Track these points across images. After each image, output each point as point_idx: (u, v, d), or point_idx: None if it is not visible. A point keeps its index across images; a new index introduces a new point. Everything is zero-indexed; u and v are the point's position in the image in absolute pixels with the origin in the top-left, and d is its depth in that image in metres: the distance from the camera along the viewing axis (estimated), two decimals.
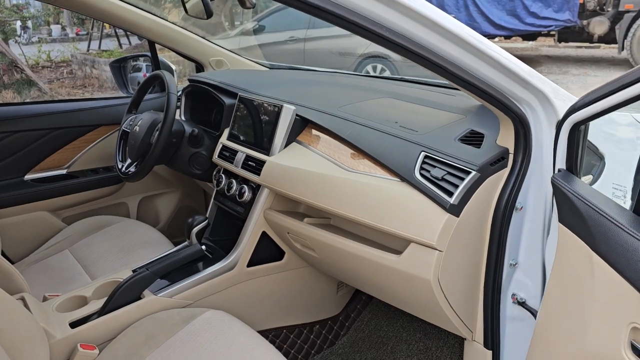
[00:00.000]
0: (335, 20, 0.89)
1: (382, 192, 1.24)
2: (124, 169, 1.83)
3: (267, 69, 2.40)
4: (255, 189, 1.62)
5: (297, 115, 1.55)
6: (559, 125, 1.06)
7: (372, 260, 1.29)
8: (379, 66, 7.50)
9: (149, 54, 2.30)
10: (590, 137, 1.14)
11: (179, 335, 1.28)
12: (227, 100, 1.81)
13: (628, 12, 8.67)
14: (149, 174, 1.80)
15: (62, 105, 2.08)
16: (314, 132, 1.56)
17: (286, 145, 1.55)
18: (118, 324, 1.38)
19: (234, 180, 1.67)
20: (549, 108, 1.11)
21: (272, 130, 1.56)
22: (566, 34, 9.86)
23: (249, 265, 1.61)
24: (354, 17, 0.89)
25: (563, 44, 10.40)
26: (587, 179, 1.23)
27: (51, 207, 2.05)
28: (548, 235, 1.16)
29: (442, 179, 1.16)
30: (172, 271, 1.53)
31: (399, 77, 1.97)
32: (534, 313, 1.20)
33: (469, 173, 1.15)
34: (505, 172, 1.18)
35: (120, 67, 2.42)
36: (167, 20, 2.11)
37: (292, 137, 1.56)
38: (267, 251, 1.64)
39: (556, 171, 1.08)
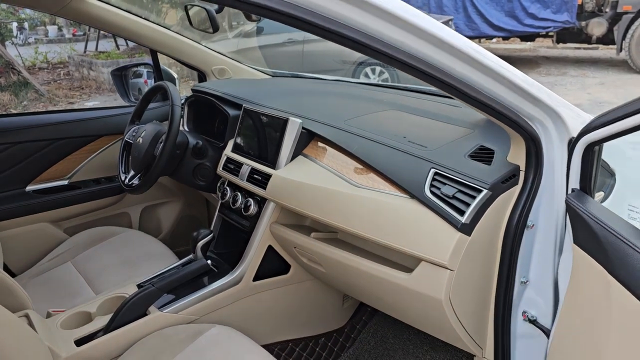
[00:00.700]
0: (342, 41, 0.87)
1: (391, 209, 1.23)
2: (127, 180, 1.81)
3: (269, 77, 2.38)
4: (261, 202, 1.61)
5: (303, 128, 1.54)
6: (573, 145, 1.05)
7: (381, 277, 1.28)
8: (378, 69, 7.50)
9: (150, 61, 2.29)
10: None
11: (186, 353, 1.27)
12: (232, 112, 1.80)
13: (626, 13, 8.69)
14: None
15: (63, 115, 2.06)
16: (320, 145, 1.55)
17: (292, 159, 1.54)
18: (124, 341, 1.36)
19: (239, 193, 1.65)
20: (560, 125, 1.10)
21: (278, 143, 1.55)
22: (564, 35, 9.88)
23: (254, 279, 1.60)
24: (361, 38, 0.87)
25: (561, 45, 10.41)
26: (598, 195, 1.22)
27: (53, 218, 2.03)
28: (560, 254, 1.15)
29: (453, 197, 1.15)
30: (178, 286, 1.51)
31: (404, 86, 1.95)
32: (545, 331, 1.19)
33: (480, 191, 1.14)
34: (517, 189, 1.17)
35: (121, 75, 2.40)
36: (169, 29, 2.09)
37: (298, 151, 1.54)
38: (273, 265, 1.63)
39: (569, 191, 1.07)
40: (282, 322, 1.72)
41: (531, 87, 1.05)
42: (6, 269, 1.94)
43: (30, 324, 1.32)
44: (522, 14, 9.75)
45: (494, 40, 11.55)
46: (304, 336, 1.79)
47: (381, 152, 1.34)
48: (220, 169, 1.75)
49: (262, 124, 1.63)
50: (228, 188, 1.71)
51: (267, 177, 1.54)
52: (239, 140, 1.72)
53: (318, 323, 1.83)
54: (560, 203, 1.11)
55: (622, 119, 0.87)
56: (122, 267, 1.78)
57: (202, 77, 2.29)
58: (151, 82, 2.50)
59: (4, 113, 2.01)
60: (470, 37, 9.85)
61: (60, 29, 14.55)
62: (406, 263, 1.26)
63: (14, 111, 7.63)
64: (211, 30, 1.41)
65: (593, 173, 1.04)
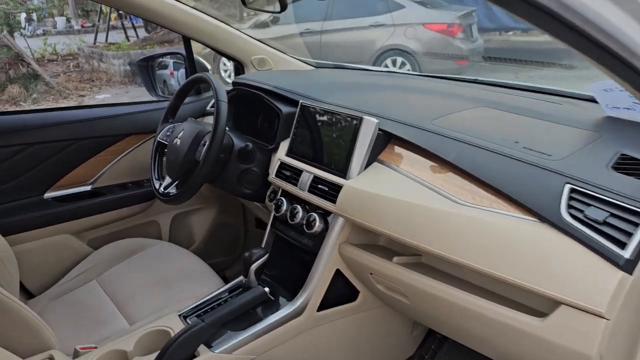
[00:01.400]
0: None
1: (513, 234, 0.97)
2: (162, 189, 1.56)
3: (313, 68, 2.12)
4: (326, 216, 1.35)
5: (379, 129, 1.27)
6: None
7: (499, 320, 1.01)
8: (399, 59, 7.21)
9: (181, 51, 2.03)
10: None
11: None
12: (285, 108, 1.53)
13: None
14: None
15: (85, 112, 1.81)
16: (398, 150, 1.29)
17: (366, 166, 1.27)
18: None
19: (298, 206, 1.39)
20: None
21: (350, 147, 1.28)
22: None
23: (319, 308, 1.34)
24: None
25: None
26: None
27: (75, 230, 1.78)
28: None
29: (605, 223, 0.89)
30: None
31: (486, 80, 1.68)
32: None
33: None
34: None
35: (147, 66, 2.13)
36: (205, 14, 1.83)
37: (373, 156, 1.28)
38: (340, 291, 1.37)
39: None
40: (347, 355, 1.46)
41: None
42: (23, 288, 1.70)
43: None
44: None
45: (510, 32, 11.19)
46: None
47: (491, 161, 1.08)
48: (273, 175, 1.49)
49: (327, 124, 1.37)
50: (284, 199, 1.45)
51: (336, 187, 1.28)
52: (295, 142, 1.46)
53: (384, 353, 1.58)
54: None
55: None
56: (156, 289, 1.53)
57: (239, 68, 2.03)
58: (179, 74, 2.24)
59: (18, 110, 1.78)
60: (491, 29, 9.55)
61: (68, 20, 14.28)
62: (534, 304, 0.99)
63: (23, 104, 7.40)
64: (279, 9, 1.15)
65: None
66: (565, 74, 8.14)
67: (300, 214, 1.37)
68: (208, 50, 2.04)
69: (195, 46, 1.97)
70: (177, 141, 1.53)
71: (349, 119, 1.30)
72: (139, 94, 7.93)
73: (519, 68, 8.23)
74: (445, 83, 1.78)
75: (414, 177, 1.18)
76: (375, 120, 1.26)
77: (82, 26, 13.62)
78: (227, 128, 1.71)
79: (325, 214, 1.36)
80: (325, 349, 1.39)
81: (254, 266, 1.33)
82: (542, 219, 0.95)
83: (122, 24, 10.49)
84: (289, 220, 1.40)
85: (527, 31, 10.68)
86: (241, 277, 1.43)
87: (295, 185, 1.39)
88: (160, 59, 2.26)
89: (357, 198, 1.23)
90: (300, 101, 1.46)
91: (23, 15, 11.05)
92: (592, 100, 1.35)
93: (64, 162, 1.75)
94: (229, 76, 7.50)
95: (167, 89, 2.29)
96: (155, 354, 1.14)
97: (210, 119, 1.93)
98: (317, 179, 1.34)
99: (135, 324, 1.40)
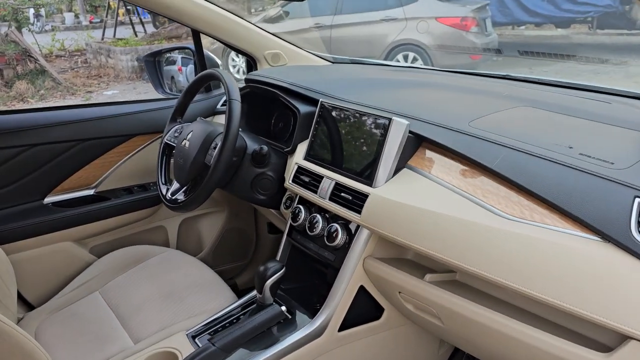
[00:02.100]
0: None
1: (571, 255, 0.84)
2: (169, 195, 1.44)
3: (330, 63, 1.99)
4: (349, 227, 1.22)
5: (409, 132, 1.14)
6: None
7: (553, 354, 0.89)
8: (411, 55, 7.05)
9: (190, 46, 1.91)
10: None
11: None
12: (303, 108, 1.41)
13: None
14: None
15: (87, 111, 1.69)
16: (429, 154, 1.16)
17: (395, 173, 1.15)
18: None
19: (318, 216, 1.26)
20: None
21: (377, 151, 1.16)
22: (605, 21, 9.31)
23: (340, 328, 1.22)
24: None
25: (598, 31, 9.83)
26: None
27: (76, 237, 1.67)
28: None
29: None
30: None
31: (520, 76, 1.54)
32: None
33: None
34: None
35: (154, 61, 2.02)
36: (217, 5, 1.70)
37: (402, 162, 1.15)
38: (363, 309, 1.25)
39: None
40: None
41: None
42: (22, 299, 1.59)
43: None
44: None
45: (523, 27, 10.97)
46: None
47: (542, 169, 0.95)
48: (289, 181, 1.37)
49: (350, 125, 1.24)
50: (302, 207, 1.32)
51: (362, 196, 1.15)
52: (315, 144, 1.33)
53: None
54: None
55: None
56: (163, 302, 1.42)
57: (251, 63, 1.91)
58: (187, 70, 2.13)
59: (17, 109, 1.69)
60: (503, 24, 9.37)
61: (77, 16, 14.24)
62: (596, 336, 0.87)
63: (31, 100, 7.33)
64: None
65: None
66: (581, 68, 7.97)
67: (320, 224, 1.25)
68: (217, 45, 1.93)
69: (204, 40, 1.85)
70: (186, 143, 1.42)
71: (376, 119, 1.18)
72: (147, 89, 7.84)
73: (533, 62, 8.06)
74: (474, 79, 1.64)
75: (450, 186, 1.05)
76: (405, 121, 1.13)
77: (90, 22, 13.57)
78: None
79: (347, 224, 1.23)
80: None
81: (269, 282, 1.20)
82: (607, 238, 0.82)
83: (130, 20, 10.41)
84: (308, 231, 1.28)
85: (540, 25, 10.50)
86: (255, 292, 1.31)
87: (315, 192, 1.27)
88: (168, 54, 2.15)
89: (386, 209, 1.10)
90: (320, 100, 1.33)
91: (31, 10, 10.99)
92: None
93: (65, 164, 1.63)
94: (238, 72, 7.39)
95: (174, 85, 2.18)
96: None
97: (220, 119, 1.81)
98: (339, 186, 1.22)
99: (139, 343, 1.28)
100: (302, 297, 1.31)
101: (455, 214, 0.99)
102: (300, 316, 1.24)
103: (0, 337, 0.93)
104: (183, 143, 1.43)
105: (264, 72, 1.67)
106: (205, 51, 1.85)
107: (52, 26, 12.87)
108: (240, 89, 1.63)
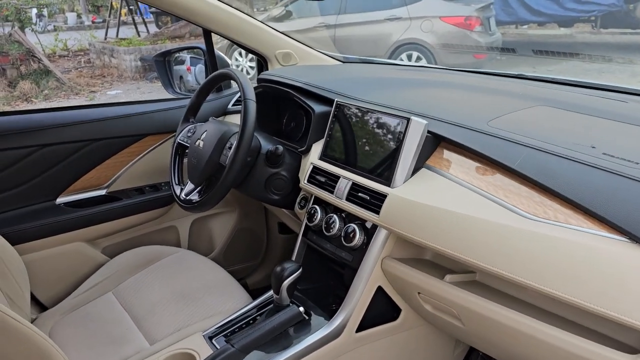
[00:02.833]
0: None
1: (597, 256, 0.83)
2: (183, 195, 1.44)
3: (340, 62, 1.98)
4: (367, 228, 1.22)
5: (428, 131, 1.14)
6: None
7: (577, 354, 0.88)
8: (415, 54, 7.04)
9: (200, 45, 1.90)
10: None
11: None
12: (317, 107, 1.40)
13: None
14: None
15: (99, 111, 1.69)
16: (447, 154, 1.15)
17: (413, 173, 1.14)
18: None
19: (334, 216, 1.26)
20: None
21: (395, 151, 1.15)
22: (609, 20, 9.28)
23: (358, 329, 1.21)
24: None
25: (602, 30, 9.80)
26: None
27: (89, 237, 1.67)
28: None
29: None
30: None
31: (534, 75, 1.53)
32: None
33: None
34: None
35: (164, 61, 2.01)
36: (228, 5, 1.69)
37: (420, 161, 1.15)
38: (381, 310, 1.24)
39: None
40: None
41: None
42: (34, 300, 1.59)
43: None
44: None
45: (525, 26, 10.94)
46: None
47: (565, 169, 0.94)
48: (305, 181, 1.36)
49: (367, 125, 1.23)
50: (317, 208, 1.32)
51: (380, 196, 1.14)
52: (330, 144, 1.32)
53: None
54: None
55: None
56: (178, 303, 1.41)
57: (262, 63, 1.90)
58: (196, 70, 2.12)
59: (29, 109, 1.69)
60: (506, 23, 9.35)
61: (79, 16, 14.25)
62: (622, 337, 0.86)
63: (35, 100, 7.34)
64: None
65: None
66: (585, 67, 7.95)
67: (337, 224, 1.24)
68: (220, 44, 1.92)
69: None
70: (200, 143, 1.41)
71: (393, 119, 1.17)
72: (151, 89, 7.84)
73: (537, 61, 8.04)
74: (486, 78, 1.63)
75: (470, 186, 1.04)
76: (424, 121, 1.12)
77: (93, 22, 13.58)
78: None
79: (363, 224, 1.23)
80: None
81: (286, 282, 1.20)
82: (635, 238, 0.81)
83: (133, 20, 10.41)
84: (325, 231, 1.27)
85: (544, 24, 10.48)
86: (271, 292, 1.31)
87: (331, 192, 1.26)
88: (178, 55, 2.14)
89: (405, 209, 1.09)
90: (336, 99, 1.32)
91: (34, 11, 10.98)
92: None
93: (77, 164, 1.63)
94: (242, 71, 7.38)
95: (183, 85, 2.17)
96: None
97: (232, 119, 1.81)
98: (356, 186, 1.21)
99: (156, 344, 1.28)
100: (318, 298, 1.30)
101: (477, 214, 0.98)
102: (316, 317, 1.24)
103: (16, 337, 0.92)
104: (197, 143, 1.42)
105: (277, 72, 1.67)
106: (216, 51, 1.84)
107: (54, 26, 12.88)
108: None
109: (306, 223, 1.35)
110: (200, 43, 1.90)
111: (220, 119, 1.81)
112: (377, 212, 1.13)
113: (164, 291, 1.46)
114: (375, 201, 1.15)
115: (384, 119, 1.19)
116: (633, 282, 0.79)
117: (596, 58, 9.02)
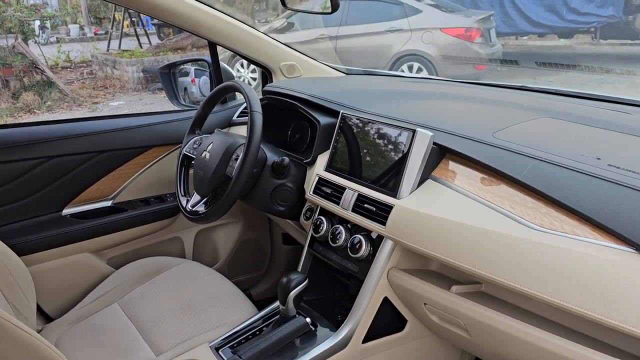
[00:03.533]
0: None
1: (604, 267, 0.84)
2: (189, 206, 1.44)
3: (344, 74, 2.00)
4: (373, 239, 1.22)
5: (433, 143, 1.15)
6: None
7: None
8: (416, 65, 7.08)
9: (205, 57, 1.93)
10: None
11: None
12: (323, 119, 1.41)
13: None
14: None
15: (104, 123, 1.70)
16: (453, 165, 1.16)
17: (419, 184, 1.15)
18: None
19: (340, 227, 1.27)
20: None
21: (401, 162, 1.16)
22: (608, 31, 9.34)
23: (364, 340, 1.22)
24: None
25: (602, 41, 9.85)
26: None
27: (94, 248, 1.67)
28: None
29: None
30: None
31: (536, 87, 1.55)
32: None
33: None
34: None
35: (170, 73, 2.03)
36: (233, 17, 1.72)
37: (426, 173, 1.16)
38: (387, 321, 1.25)
39: None
40: None
41: None
42: (40, 311, 1.59)
43: None
44: (563, 9, 9.23)
45: (525, 37, 11.01)
46: None
47: (570, 180, 0.95)
48: (310, 192, 1.37)
49: (373, 136, 1.25)
50: (324, 219, 1.32)
51: (386, 208, 1.15)
52: (336, 156, 1.33)
53: None
54: None
55: None
56: (183, 314, 1.41)
57: (266, 75, 1.92)
58: (200, 82, 2.14)
59: (35, 121, 1.70)
60: (507, 34, 9.40)
61: (82, 27, 14.36)
62: (631, 349, 0.86)
63: (38, 112, 7.37)
64: (330, 10, 1.04)
65: None
66: (585, 78, 7.98)
67: (343, 235, 1.25)
68: (222, 56, 1.94)
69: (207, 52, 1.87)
70: (206, 154, 1.42)
71: (399, 131, 1.18)
72: (153, 100, 7.89)
73: (537, 72, 8.08)
74: (490, 90, 1.65)
75: (476, 197, 1.05)
76: (429, 132, 1.14)
77: (95, 33, 13.69)
78: None
79: (369, 235, 1.23)
80: None
81: (292, 293, 1.20)
82: None
83: (135, 31, 10.48)
84: (331, 242, 1.28)
85: (544, 35, 10.54)
86: (277, 304, 1.31)
87: (337, 203, 1.27)
88: (183, 67, 2.16)
89: (411, 220, 1.10)
90: (341, 111, 1.34)
91: (37, 23, 11.07)
92: None
93: (83, 176, 1.64)
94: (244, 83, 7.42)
95: (188, 97, 2.19)
96: None
97: (237, 130, 1.82)
98: (362, 198, 1.22)
99: (161, 355, 1.28)
100: (323, 309, 1.30)
101: (484, 225, 0.99)
102: (322, 328, 1.24)
103: (23, 347, 0.92)
104: (203, 154, 1.43)
105: (282, 84, 1.68)
106: (222, 63, 1.86)
107: (57, 38, 12.97)
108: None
109: (312, 234, 1.36)
110: (204, 55, 1.92)
111: (225, 130, 1.83)
112: (384, 223, 1.14)
113: (169, 302, 1.46)
114: (381, 212, 1.16)
115: (390, 130, 1.20)
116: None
117: (596, 69, 9.08)
